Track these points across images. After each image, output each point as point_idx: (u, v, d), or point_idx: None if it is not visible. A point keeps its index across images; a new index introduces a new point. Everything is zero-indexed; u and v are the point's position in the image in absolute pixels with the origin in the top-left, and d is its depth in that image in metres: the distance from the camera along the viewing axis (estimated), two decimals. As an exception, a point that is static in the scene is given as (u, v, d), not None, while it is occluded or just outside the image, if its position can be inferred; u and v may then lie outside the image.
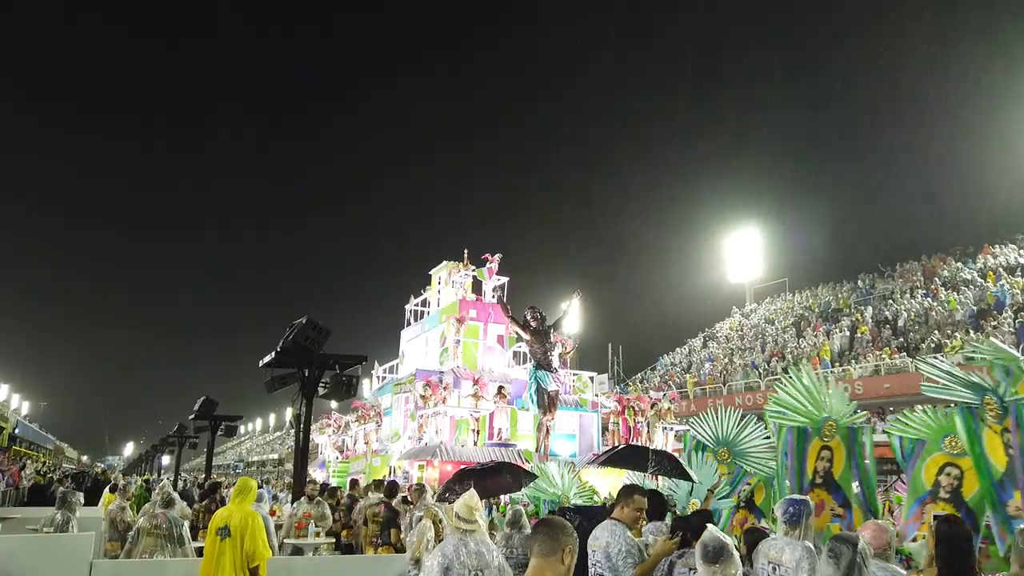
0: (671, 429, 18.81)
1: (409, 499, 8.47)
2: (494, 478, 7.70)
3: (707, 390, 33.86)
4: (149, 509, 7.04)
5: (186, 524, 7.06)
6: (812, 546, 4.01)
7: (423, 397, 16.83)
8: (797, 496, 4.52)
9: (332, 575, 7.48)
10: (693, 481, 8.13)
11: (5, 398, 45.60)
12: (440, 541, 5.28)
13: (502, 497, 10.37)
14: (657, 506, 5.69)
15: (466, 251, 21.44)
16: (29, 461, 31.41)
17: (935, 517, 4.32)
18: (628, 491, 4.79)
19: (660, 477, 8.16)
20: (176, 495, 7.29)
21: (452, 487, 7.28)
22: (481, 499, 7.68)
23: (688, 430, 9.02)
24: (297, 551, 8.75)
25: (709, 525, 3.66)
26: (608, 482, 12.80)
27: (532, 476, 8.46)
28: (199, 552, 6.62)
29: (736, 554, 3.46)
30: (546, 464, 10.78)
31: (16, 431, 40.10)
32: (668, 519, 6.17)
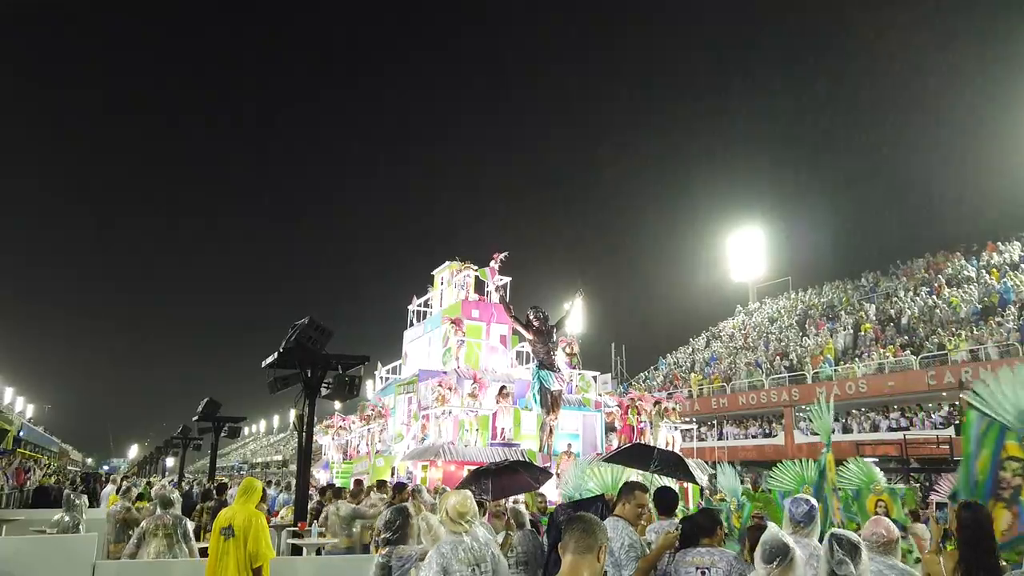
0: (675, 428, 18.80)
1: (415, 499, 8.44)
2: (511, 477, 7.63)
3: (711, 389, 33.86)
4: (151, 510, 7.02)
5: (189, 523, 7.04)
6: (819, 544, 3.98)
7: (439, 398, 16.80)
8: (807, 496, 4.46)
9: (334, 575, 7.48)
10: (698, 483, 7.95)
11: (9, 401, 45.66)
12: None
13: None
14: (668, 503, 5.55)
15: (467, 262, 21.48)
16: (33, 463, 31.39)
17: (960, 504, 4.21)
18: (629, 488, 4.71)
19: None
20: (174, 495, 7.28)
21: (467, 488, 7.24)
22: (498, 499, 7.65)
23: (966, 404, 5.88)
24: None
25: (771, 524, 3.61)
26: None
27: (548, 474, 8.38)
28: (203, 552, 6.60)
29: (799, 561, 3.28)
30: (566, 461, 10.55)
31: (21, 434, 40.18)
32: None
